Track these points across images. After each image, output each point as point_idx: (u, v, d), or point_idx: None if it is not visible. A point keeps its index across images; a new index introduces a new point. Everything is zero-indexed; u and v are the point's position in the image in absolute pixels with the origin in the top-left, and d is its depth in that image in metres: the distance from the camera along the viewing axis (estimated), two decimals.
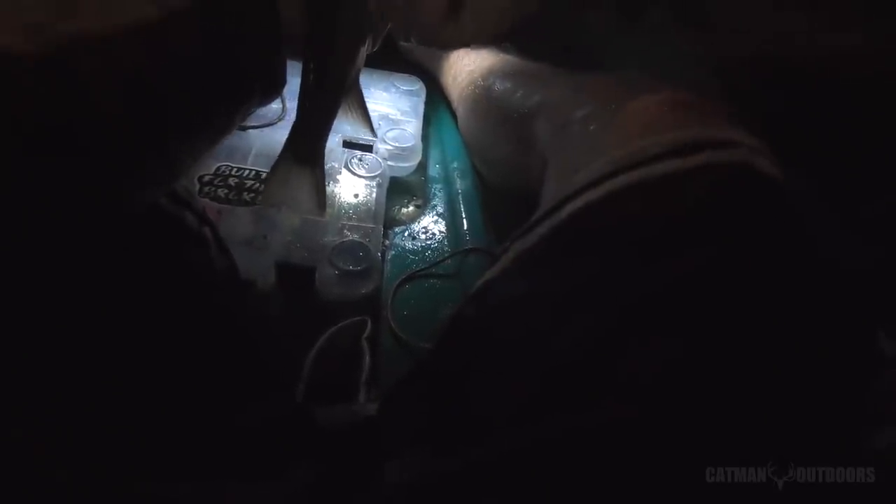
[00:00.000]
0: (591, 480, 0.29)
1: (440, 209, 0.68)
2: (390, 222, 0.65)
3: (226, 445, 0.31)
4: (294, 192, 0.44)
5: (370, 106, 0.74)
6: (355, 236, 0.56)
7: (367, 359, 0.45)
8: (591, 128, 0.41)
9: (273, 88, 0.35)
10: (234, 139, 0.63)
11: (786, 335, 0.30)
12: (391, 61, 0.83)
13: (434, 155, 0.76)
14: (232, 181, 0.57)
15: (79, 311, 0.28)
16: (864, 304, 0.33)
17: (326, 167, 0.63)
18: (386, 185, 0.64)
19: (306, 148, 0.42)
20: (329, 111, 0.41)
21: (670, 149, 0.33)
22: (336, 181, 0.62)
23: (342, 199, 0.60)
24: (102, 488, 0.26)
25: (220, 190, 0.56)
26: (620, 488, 0.28)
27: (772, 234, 0.31)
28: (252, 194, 0.57)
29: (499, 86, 0.61)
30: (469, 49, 0.74)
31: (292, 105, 0.68)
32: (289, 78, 0.37)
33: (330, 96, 0.41)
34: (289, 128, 0.49)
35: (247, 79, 0.32)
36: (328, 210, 0.58)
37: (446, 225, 0.66)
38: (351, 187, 0.62)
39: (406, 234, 0.64)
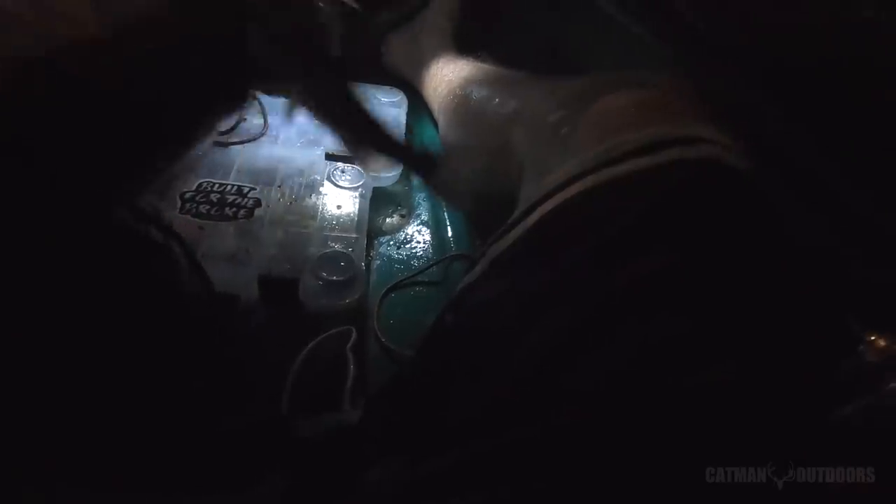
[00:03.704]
0: (581, 479, 0.29)
1: (424, 217, 0.68)
2: (376, 232, 0.65)
3: (196, 457, 0.31)
4: None
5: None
6: (338, 247, 0.56)
7: (352, 368, 0.45)
8: (563, 131, 0.41)
9: (233, 105, 0.35)
10: (216, 155, 0.63)
11: (758, 326, 0.30)
12: (373, 75, 0.84)
13: None
14: (214, 197, 0.58)
15: (44, 325, 0.28)
16: (834, 292, 0.33)
17: (310, 178, 0.63)
18: (369, 195, 0.64)
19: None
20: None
21: (638, 147, 0.33)
22: (319, 193, 0.62)
23: (325, 211, 0.60)
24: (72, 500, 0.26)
25: (202, 206, 0.56)
26: (609, 483, 0.28)
27: (743, 228, 0.32)
28: (234, 209, 0.57)
29: (476, 94, 0.62)
30: (449, 59, 0.75)
31: (273, 121, 0.69)
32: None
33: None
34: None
35: (209, 94, 0.32)
36: (311, 222, 0.59)
37: (431, 233, 0.66)
38: (334, 199, 0.62)
39: (392, 243, 0.65)
